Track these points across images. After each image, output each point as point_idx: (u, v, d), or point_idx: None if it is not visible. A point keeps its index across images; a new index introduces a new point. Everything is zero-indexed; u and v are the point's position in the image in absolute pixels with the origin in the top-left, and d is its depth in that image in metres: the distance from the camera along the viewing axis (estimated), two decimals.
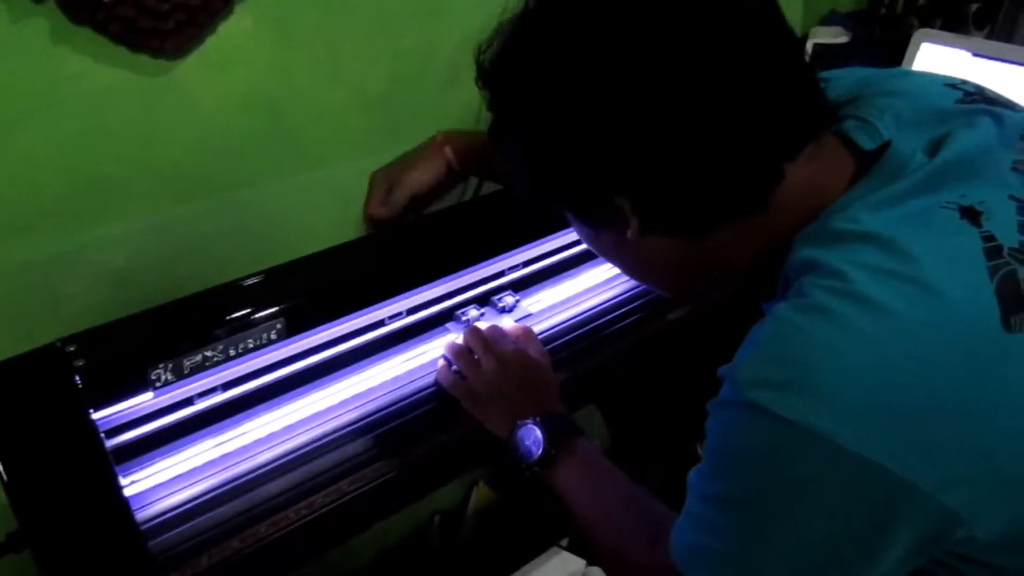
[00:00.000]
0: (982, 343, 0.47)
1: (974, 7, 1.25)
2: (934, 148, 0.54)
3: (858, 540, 0.48)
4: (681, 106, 0.50)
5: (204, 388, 0.72)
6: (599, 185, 0.55)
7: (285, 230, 1.02)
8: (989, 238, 0.50)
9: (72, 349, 0.64)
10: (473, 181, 0.98)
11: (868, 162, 0.55)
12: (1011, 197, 0.53)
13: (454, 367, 0.81)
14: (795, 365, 0.48)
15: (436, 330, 0.89)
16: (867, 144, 0.55)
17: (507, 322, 0.90)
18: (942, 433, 0.46)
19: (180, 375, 0.67)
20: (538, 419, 0.74)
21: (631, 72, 0.50)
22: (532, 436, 0.74)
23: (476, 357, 0.80)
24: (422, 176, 0.87)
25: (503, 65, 0.57)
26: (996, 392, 0.46)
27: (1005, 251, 0.49)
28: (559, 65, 0.52)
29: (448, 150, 0.87)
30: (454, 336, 0.87)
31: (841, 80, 0.64)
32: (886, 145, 0.55)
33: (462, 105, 1.10)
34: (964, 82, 0.62)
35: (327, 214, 1.05)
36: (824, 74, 0.65)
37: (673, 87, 0.50)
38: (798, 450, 0.47)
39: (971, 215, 0.50)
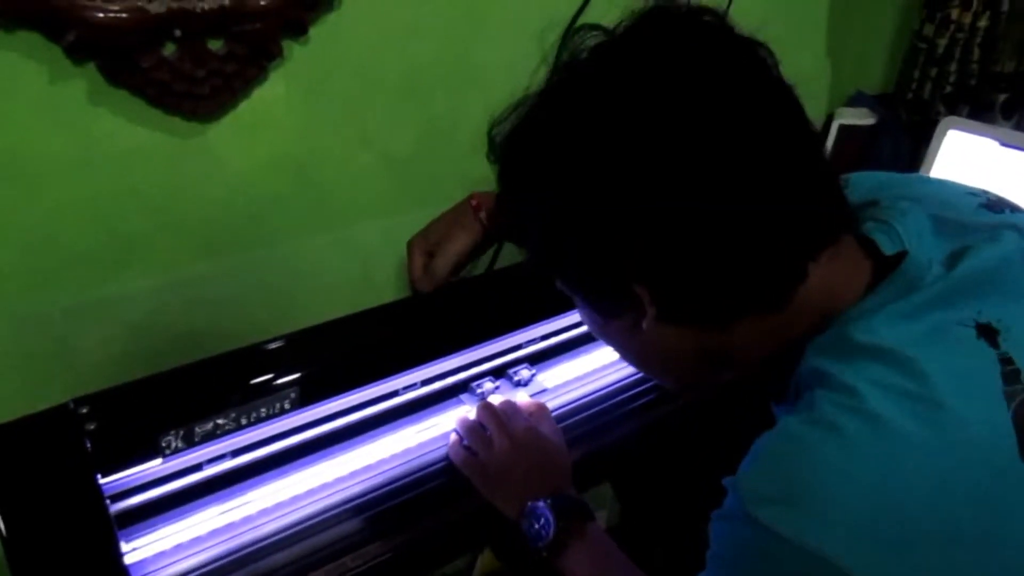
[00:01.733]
0: (997, 473, 0.45)
1: (1002, 97, 1.25)
2: (953, 260, 0.53)
3: None
4: (708, 199, 0.49)
5: (214, 455, 0.72)
6: (618, 272, 0.54)
7: (306, 290, 1.02)
8: (1007, 360, 0.48)
9: (84, 411, 0.64)
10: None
11: (886, 267, 0.54)
12: None
13: (465, 442, 0.80)
14: (800, 484, 0.47)
15: (450, 401, 0.88)
16: (887, 248, 0.54)
17: (522, 396, 0.89)
18: (947, 562, 0.44)
19: (191, 442, 0.66)
20: (548, 501, 0.73)
21: (659, 160, 0.49)
22: (542, 518, 0.73)
23: (488, 434, 0.78)
24: (462, 243, 0.84)
25: (522, 143, 0.57)
26: (1006, 523, 0.45)
27: (1023, 375, 0.48)
28: (581, 148, 0.52)
29: (483, 214, 0.87)
30: (467, 409, 0.85)
31: (860, 182, 0.64)
32: (905, 252, 0.54)
33: (486, 172, 1.11)
34: (985, 191, 0.62)
35: (349, 275, 1.05)
36: (843, 176, 0.65)
37: (702, 179, 0.49)
38: (799, 570, 0.46)
39: (988, 334, 0.49)
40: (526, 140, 0.56)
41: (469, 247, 0.84)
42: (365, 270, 1.06)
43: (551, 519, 0.72)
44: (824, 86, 1.47)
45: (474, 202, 0.86)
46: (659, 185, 0.50)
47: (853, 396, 0.47)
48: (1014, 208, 0.60)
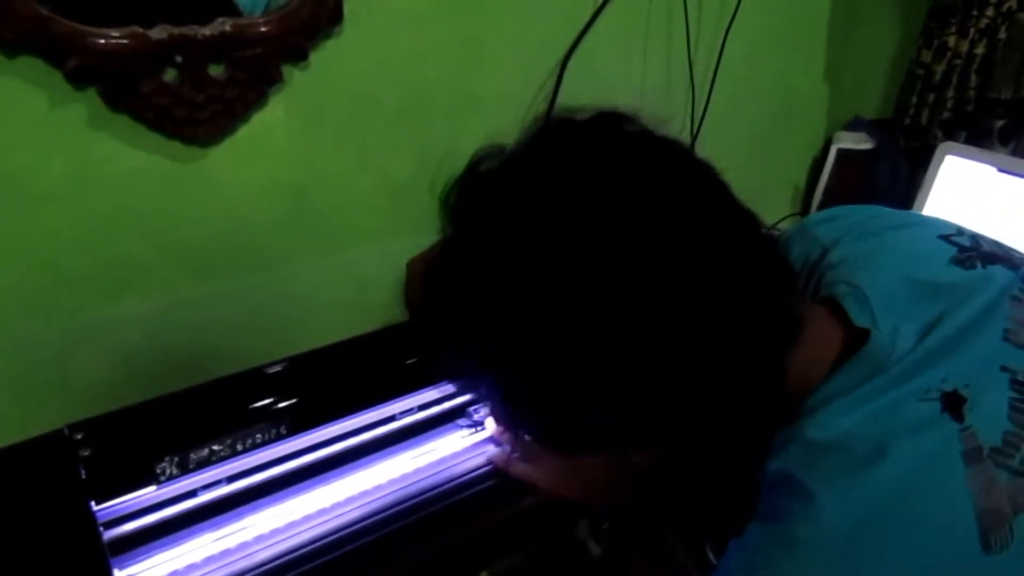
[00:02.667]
0: (959, 567, 0.44)
1: (999, 123, 1.25)
2: (926, 331, 0.51)
3: None
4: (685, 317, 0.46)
5: (208, 481, 0.71)
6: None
7: (304, 314, 1.02)
8: (970, 437, 0.47)
9: (79, 437, 0.64)
10: None
11: (857, 337, 0.52)
12: (1003, 368, 0.49)
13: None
14: None
15: (447, 426, 0.88)
16: (858, 318, 0.52)
17: None
18: None
19: (185, 469, 0.66)
20: None
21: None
22: None
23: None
24: None
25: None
26: None
27: (985, 453, 0.46)
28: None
29: None
30: (466, 433, 0.85)
31: (840, 220, 0.62)
32: (871, 328, 0.51)
33: None
34: (960, 232, 0.59)
35: (346, 298, 1.05)
36: (827, 211, 0.65)
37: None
38: None
39: (953, 405, 0.48)
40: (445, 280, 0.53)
41: None
42: (362, 294, 1.05)
43: None
44: (822, 111, 1.48)
45: None
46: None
47: (809, 502, 0.47)
48: (987, 258, 0.57)
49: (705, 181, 0.51)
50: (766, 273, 0.50)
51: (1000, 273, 0.55)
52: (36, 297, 0.82)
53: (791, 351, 0.50)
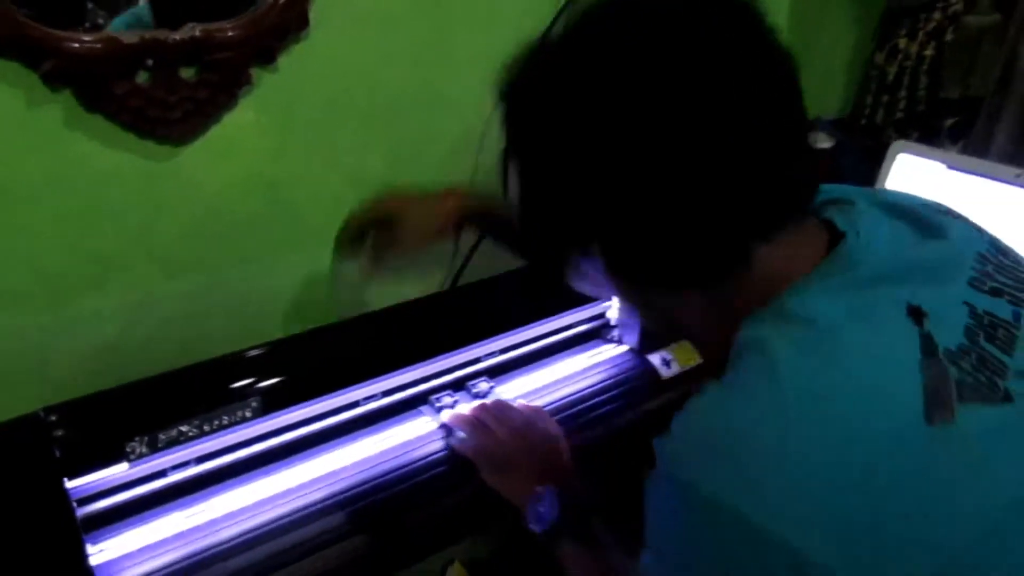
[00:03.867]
0: (900, 431, 0.47)
1: (949, 121, 1.30)
2: (898, 247, 0.56)
3: None
4: (662, 165, 0.50)
5: (178, 461, 0.75)
6: (573, 229, 0.57)
7: (278, 307, 1.06)
8: (928, 338, 0.51)
9: (53, 419, 0.68)
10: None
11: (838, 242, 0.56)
12: (965, 303, 0.54)
13: (462, 433, 0.85)
14: (707, 442, 0.50)
15: (410, 413, 0.92)
16: (841, 224, 0.56)
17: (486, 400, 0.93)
18: (839, 508, 0.46)
19: (155, 448, 0.70)
20: (556, 491, 0.77)
21: (623, 121, 0.50)
22: (547, 505, 0.77)
23: (487, 426, 0.84)
24: (418, 241, 0.88)
25: (514, 88, 0.58)
26: (904, 482, 0.47)
27: (940, 351, 0.50)
28: (557, 102, 0.53)
29: (453, 212, 0.90)
30: (427, 419, 0.89)
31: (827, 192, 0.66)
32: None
33: None
34: (938, 204, 0.64)
35: (318, 293, 1.09)
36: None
37: (660, 144, 0.50)
38: (708, 521, 0.48)
39: (916, 315, 0.52)
40: (520, 86, 0.57)
41: (424, 244, 0.88)
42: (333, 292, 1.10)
43: (556, 507, 0.76)
44: None
45: (450, 202, 0.90)
46: (619, 144, 0.51)
47: (767, 355, 0.50)
48: (958, 217, 0.62)
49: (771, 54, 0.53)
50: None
51: (970, 231, 0.60)
52: (15, 291, 0.86)
53: (772, 234, 0.54)
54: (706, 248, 0.53)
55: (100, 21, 0.81)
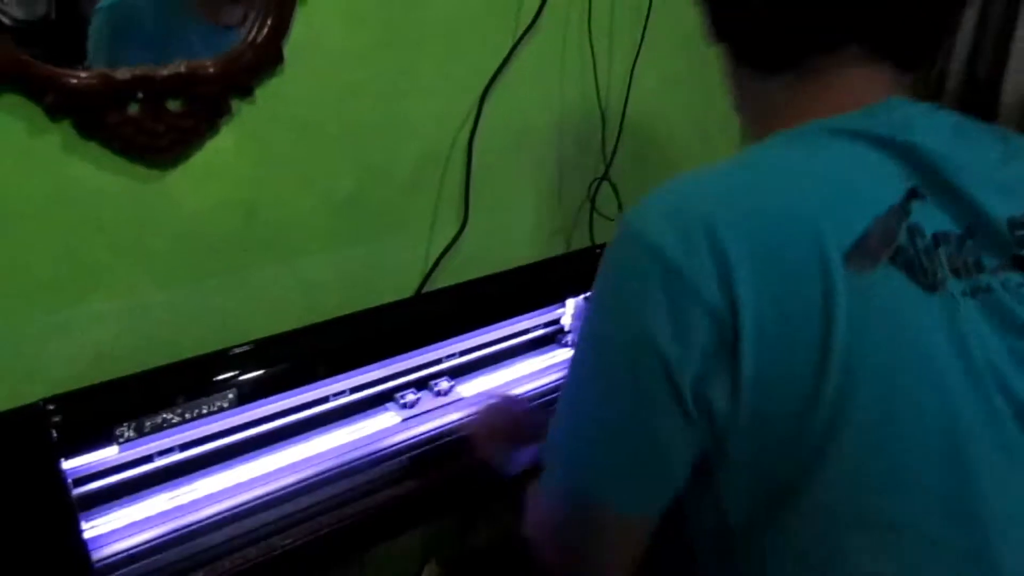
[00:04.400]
0: (816, 252, 0.51)
1: None
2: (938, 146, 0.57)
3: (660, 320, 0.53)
4: None
5: (164, 447, 0.84)
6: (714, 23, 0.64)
7: (256, 314, 1.15)
8: (903, 209, 0.54)
9: (51, 408, 0.77)
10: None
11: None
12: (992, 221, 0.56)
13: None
14: (653, 193, 0.56)
15: (376, 409, 1.02)
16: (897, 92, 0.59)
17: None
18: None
19: (142, 433, 0.79)
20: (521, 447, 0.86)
21: None
22: (514, 458, 0.86)
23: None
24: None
25: None
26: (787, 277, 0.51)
27: (908, 221, 0.54)
28: None
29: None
30: (392, 415, 0.99)
31: None
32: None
33: (419, 210, 1.26)
34: None
35: (294, 302, 1.19)
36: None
37: None
38: (620, 242, 0.56)
39: (912, 193, 0.55)
40: None
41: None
42: (309, 295, 1.19)
43: (520, 459, 0.84)
44: (734, 138, 1.63)
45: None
46: None
47: (748, 152, 0.58)
48: None
49: None
50: None
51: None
52: (14, 298, 0.95)
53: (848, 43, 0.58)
54: (775, 31, 0.59)
55: None
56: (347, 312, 1.15)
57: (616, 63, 1.36)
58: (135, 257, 1.01)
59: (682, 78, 1.49)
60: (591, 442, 0.58)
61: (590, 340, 0.58)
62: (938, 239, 0.55)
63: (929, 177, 0.55)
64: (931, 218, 0.55)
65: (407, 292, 1.31)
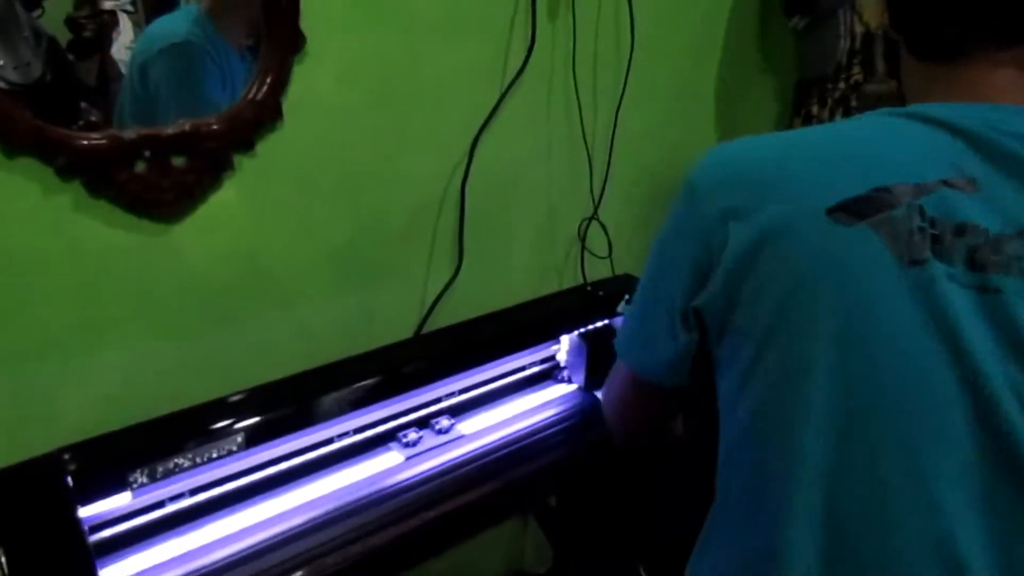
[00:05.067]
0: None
1: None
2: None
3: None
4: None
5: (175, 493, 0.87)
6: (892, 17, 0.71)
7: (259, 362, 1.18)
8: (950, 183, 0.58)
9: (67, 456, 0.80)
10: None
11: None
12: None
13: None
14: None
15: (379, 448, 1.04)
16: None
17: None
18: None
19: (154, 478, 0.82)
20: None
21: None
22: None
23: None
24: None
25: None
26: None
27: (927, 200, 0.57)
28: None
29: None
30: (395, 455, 1.02)
31: None
32: None
33: (415, 256, 1.30)
34: None
35: (295, 349, 1.22)
36: None
37: None
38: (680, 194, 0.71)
39: (950, 183, 0.58)
40: None
41: None
42: (308, 343, 1.22)
43: None
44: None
45: None
46: None
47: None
48: None
49: None
50: None
51: None
52: (28, 349, 0.98)
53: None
54: (938, 26, 0.64)
55: (93, 118, 0.95)
56: (345, 356, 1.18)
57: (600, 109, 1.42)
58: (142, 309, 1.05)
59: (664, 120, 1.55)
60: (629, 319, 0.80)
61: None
62: (964, 228, 0.57)
63: (1001, 175, 0.58)
64: (967, 209, 0.57)
65: (403, 334, 1.34)
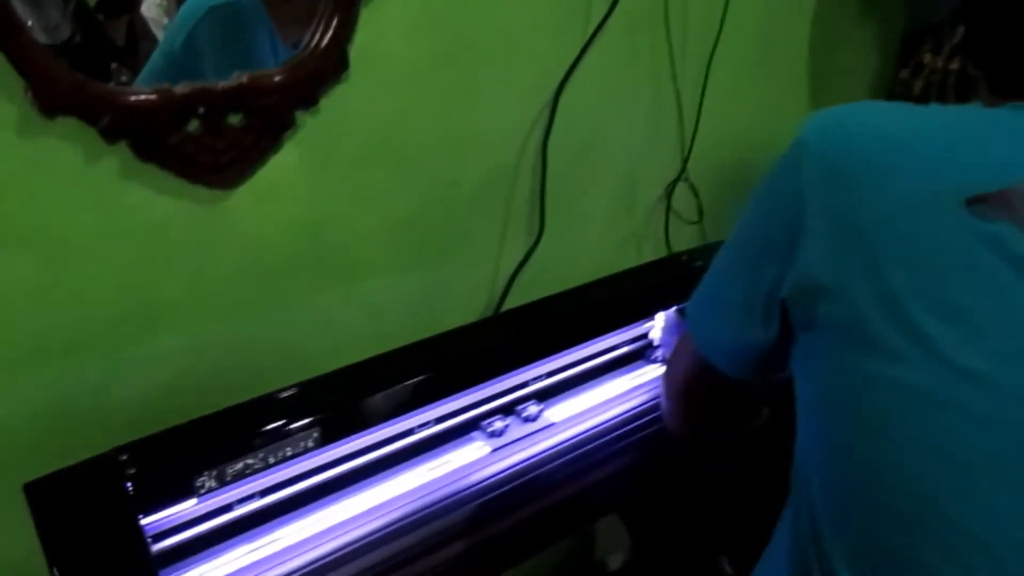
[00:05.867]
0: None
1: None
2: None
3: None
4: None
5: (243, 495, 0.77)
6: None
7: (320, 345, 1.08)
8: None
9: (124, 458, 0.69)
10: None
11: None
12: None
13: None
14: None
15: (461, 439, 0.93)
16: None
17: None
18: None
19: (223, 482, 0.72)
20: None
21: None
22: None
23: None
24: None
25: None
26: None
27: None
28: None
29: None
30: (479, 446, 0.91)
31: None
32: None
33: (486, 230, 1.18)
34: None
35: (359, 329, 1.11)
36: None
37: None
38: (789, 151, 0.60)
39: None
40: None
41: None
42: (375, 322, 1.12)
43: None
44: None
45: None
46: None
47: None
48: None
49: None
50: None
51: None
52: (74, 339, 0.88)
53: None
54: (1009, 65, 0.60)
55: (124, 79, 0.86)
56: (414, 338, 1.07)
57: (689, 59, 1.28)
58: (195, 289, 0.95)
59: (754, 74, 1.40)
60: (704, 284, 0.71)
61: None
62: None
63: None
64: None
65: (474, 313, 1.23)
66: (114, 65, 0.86)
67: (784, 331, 0.61)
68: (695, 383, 0.73)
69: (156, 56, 0.86)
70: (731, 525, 1.28)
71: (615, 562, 1.48)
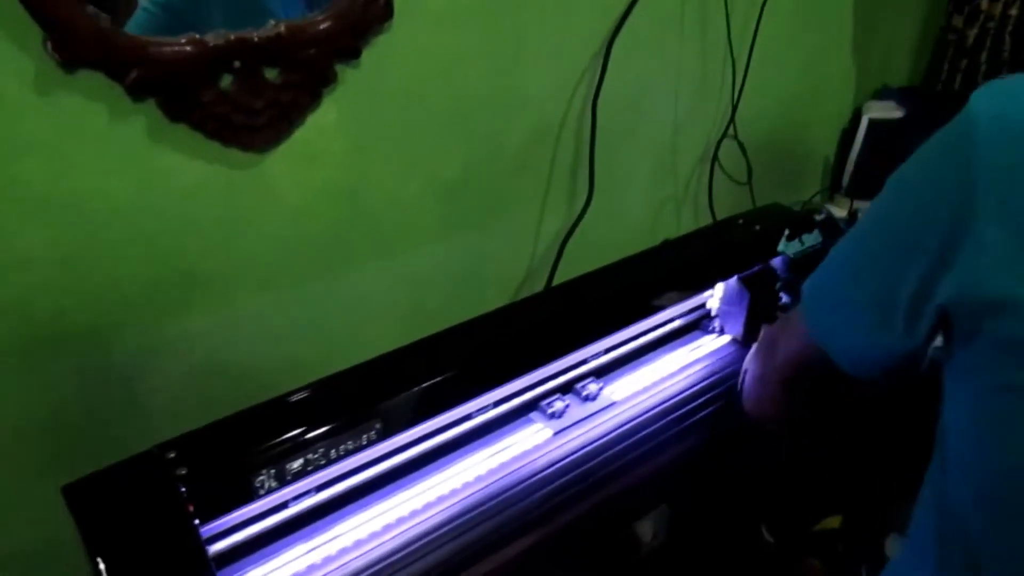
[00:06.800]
0: None
1: None
2: None
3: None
4: None
5: (300, 491, 0.70)
6: None
7: (359, 321, 1.01)
8: None
9: (172, 456, 0.62)
10: None
11: None
12: None
13: None
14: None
15: (521, 421, 0.87)
16: None
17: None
18: None
19: (283, 481, 0.65)
20: None
21: None
22: None
23: None
24: None
25: None
26: None
27: None
28: None
29: None
30: (539, 427, 0.84)
31: None
32: None
33: (530, 194, 1.10)
34: None
35: (400, 303, 1.04)
36: None
37: None
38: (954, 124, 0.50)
39: None
40: None
41: None
42: (416, 297, 1.04)
43: None
44: (850, 83, 1.47)
45: None
46: None
47: None
48: None
49: None
50: None
51: None
52: (101, 318, 0.80)
53: None
54: None
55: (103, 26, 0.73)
56: (452, 309, 1.01)
57: (737, 7, 1.20)
58: (228, 260, 0.87)
59: (804, 23, 1.32)
60: (829, 265, 0.59)
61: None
62: None
63: None
64: None
65: (514, 281, 1.16)
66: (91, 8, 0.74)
67: (930, 338, 0.52)
68: (804, 371, 0.65)
69: (147, 3, 0.75)
70: (771, 493, 1.23)
71: (646, 533, 1.44)
